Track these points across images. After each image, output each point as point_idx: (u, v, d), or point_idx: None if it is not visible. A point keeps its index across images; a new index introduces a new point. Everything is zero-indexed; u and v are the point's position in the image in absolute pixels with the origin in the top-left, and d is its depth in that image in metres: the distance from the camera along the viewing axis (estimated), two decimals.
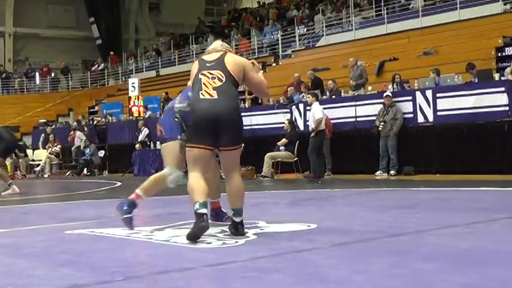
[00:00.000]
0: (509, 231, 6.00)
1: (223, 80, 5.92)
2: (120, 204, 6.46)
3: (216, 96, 5.83)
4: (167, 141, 6.62)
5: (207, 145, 5.86)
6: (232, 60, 6.10)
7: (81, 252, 5.40)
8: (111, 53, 37.95)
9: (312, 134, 15.68)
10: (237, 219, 5.93)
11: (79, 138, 25.46)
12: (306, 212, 7.78)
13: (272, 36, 29.24)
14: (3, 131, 14.71)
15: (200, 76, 5.98)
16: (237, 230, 5.91)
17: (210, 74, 5.95)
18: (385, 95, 15.63)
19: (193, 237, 5.55)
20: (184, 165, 6.44)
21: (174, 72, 31.94)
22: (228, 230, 6.14)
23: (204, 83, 5.91)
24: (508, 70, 15.03)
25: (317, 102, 16.06)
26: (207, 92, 5.86)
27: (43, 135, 26.83)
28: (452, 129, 14.39)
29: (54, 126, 28.74)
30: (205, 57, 6.21)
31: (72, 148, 25.91)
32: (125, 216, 6.37)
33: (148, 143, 21.74)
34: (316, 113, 15.67)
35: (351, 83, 18.35)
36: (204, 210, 5.56)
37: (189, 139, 5.97)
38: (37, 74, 37.95)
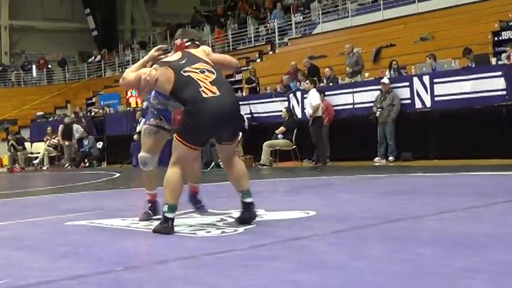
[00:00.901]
0: (509, 215, 6.00)
1: (213, 70, 5.81)
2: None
3: (218, 93, 5.63)
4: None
5: (204, 145, 5.96)
6: (199, 52, 6.03)
7: (81, 244, 5.40)
8: (105, 50, 37.84)
9: (310, 122, 15.67)
10: (249, 200, 5.91)
11: (76, 131, 25.40)
12: (305, 200, 7.78)
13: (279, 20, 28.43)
14: None
15: (187, 74, 5.71)
16: (250, 210, 5.89)
17: (196, 68, 5.76)
18: (381, 81, 15.61)
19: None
20: (155, 148, 6.56)
21: None
22: (226, 218, 6.15)
23: (197, 80, 5.67)
24: (504, 54, 15.01)
25: (314, 89, 16.05)
26: (207, 88, 5.62)
27: (62, 125, 26.17)
28: (450, 114, 14.38)
29: (73, 116, 28.17)
30: (169, 59, 6.03)
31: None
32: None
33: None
34: (313, 99, 15.67)
35: (347, 70, 18.34)
36: (171, 215, 5.58)
37: (188, 138, 5.63)
38: (34, 66, 37.87)
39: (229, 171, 6.02)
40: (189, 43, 6.13)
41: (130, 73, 6.11)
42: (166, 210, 5.53)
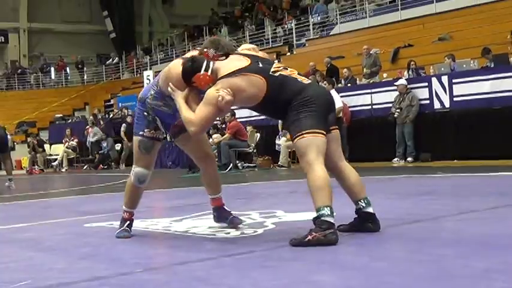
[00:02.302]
0: None
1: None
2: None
3: (309, 80, 5.38)
4: (133, 135, 5.93)
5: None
6: (255, 50, 5.56)
7: (100, 245, 5.41)
8: (129, 53, 37.94)
9: None
10: (371, 210, 5.28)
11: (94, 134, 25.43)
12: None
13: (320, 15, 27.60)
14: None
15: (277, 74, 5.14)
16: (375, 221, 5.25)
17: (279, 67, 5.25)
18: (397, 83, 15.56)
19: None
20: (152, 163, 5.93)
21: None
22: (245, 219, 6.15)
23: (290, 75, 5.22)
24: None
25: (334, 90, 16.00)
26: (302, 79, 5.24)
27: (124, 125, 25.28)
28: (468, 114, 14.31)
29: (103, 116, 28.14)
30: (239, 65, 5.16)
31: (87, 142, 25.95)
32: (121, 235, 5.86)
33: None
34: (336, 101, 15.55)
35: (365, 71, 18.30)
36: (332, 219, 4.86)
37: (317, 124, 4.98)
38: (52, 69, 38.05)
39: (342, 175, 5.43)
40: (223, 58, 5.23)
41: (194, 117, 5.15)
42: (329, 213, 4.83)
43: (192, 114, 5.16)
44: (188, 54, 5.59)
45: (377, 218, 5.22)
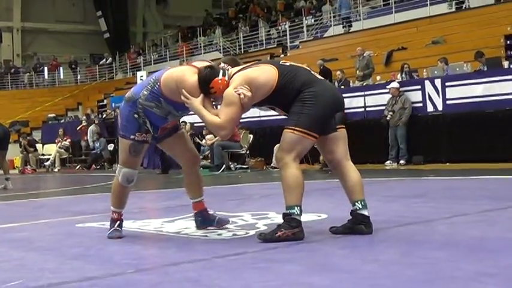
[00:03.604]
0: None
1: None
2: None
3: (321, 77, 5.37)
4: (121, 136, 5.77)
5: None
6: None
7: (92, 245, 5.40)
8: (127, 51, 37.90)
9: None
10: (366, 213, 5.28)
11: (93, 133, 25.30)
12: (316, 202, 7.75)
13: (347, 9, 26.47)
14: None
15: (288, 63, 5.34)
16: (368, 224, 5.24)
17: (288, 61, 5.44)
18: (389, 86, 15.59)
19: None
20: (139, 164, 5.84)
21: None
22: (237, 221, 6.15)
23: (303, 66, 5.36)
24: None
25: None
26: (314, 72, 5.33)
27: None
28: (461, 118, 14.35)
29: (95, 116, 28.08)
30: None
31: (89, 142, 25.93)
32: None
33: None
34: None
35: (358, 74, 18.33)
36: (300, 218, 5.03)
37: (312, 126, 5.06)
38: (45, 68, 37.98)
39: (344, 174, 5.48)
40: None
41: (220, 120, 5.18)
42: (299, 213, 5.02)
43: (217, 119, 5.19)
44: (197, 63, 5.57)
45: (371, 222, 5.23)
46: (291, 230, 4.94)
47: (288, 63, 5.32)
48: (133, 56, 36.93)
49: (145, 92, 5.56)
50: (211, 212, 6.03)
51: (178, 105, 5.48)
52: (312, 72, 5.28)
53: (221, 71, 5.27)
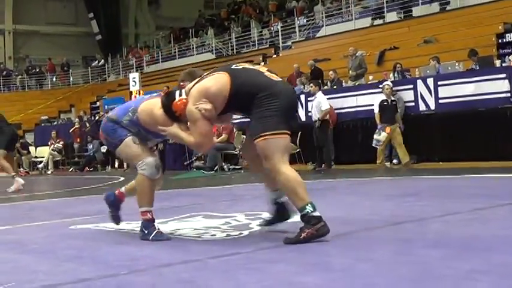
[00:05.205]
0: None
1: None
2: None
3: (279, 78, 5.35)
4: (118, 144, 5.78)
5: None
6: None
7: (86, 247, 5.40)
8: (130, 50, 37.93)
9: (317, 125, 15.54)
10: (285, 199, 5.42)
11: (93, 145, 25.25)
12: None
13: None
14: (3, 124, 14.66)
15: (241, 67, 5.38)
16: (286, 209, 5.48)
17: (244, 63, 5.52)
18: (379, 86, 15.61)
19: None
20: (149, 150, 5.87)
21: (175, 66, 31.94)
22: (231, 221, 6.16)
23: (256, 68, 5.43)
24: (510, 57, 14.99)
25: (320, 92, 15.98)
26: (269, 74, 5.28)
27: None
28: (454, 116, 14.37)
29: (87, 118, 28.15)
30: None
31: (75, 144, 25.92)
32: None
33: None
34: (323, 103, 15.52)
35: (350, 73, 18.36)
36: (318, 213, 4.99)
37: (278, 125, 5.04)
38: (44, 70, 37.89)
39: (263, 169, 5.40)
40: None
41: (195, 138, 5.34)
42: (313, 209, 4.96)
43: (192, 138, 5.35)
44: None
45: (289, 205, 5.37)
46: (313, 228, 4.90)
47: (240, 67, 5.36)
48: (136, 54, 36.80)
49: (127, 118, 5.73)
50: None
51: (154, 134, 5.73)
52: (266, 74, 5.27)
53: (177, 92, 5.39)
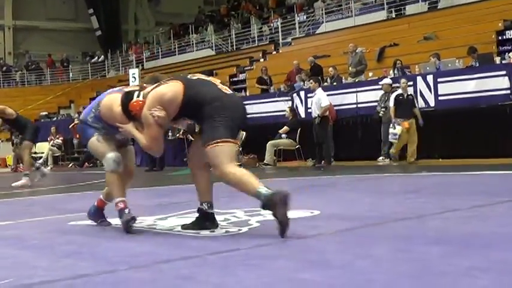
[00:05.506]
0: None
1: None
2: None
3: (230, 92, 5.59)
4: (87, 144, 6.21)
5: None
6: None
7: (85, 243, 5.40)
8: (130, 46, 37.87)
9: (317, 121, 15.53)
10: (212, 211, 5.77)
11: None
12: (309, 199, 7.75)
13: None
14: (22, 119, 14.92)
15: (196, 77, 5.63)
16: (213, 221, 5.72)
17: (198, 74, 5.79)
18: (381, 82, 15.61)
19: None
20: (112, 146, 6.03)
21: (174, 62, 31.93)
22: (230, 218, 6.15)
23: (210, 80, 5.64)
24: (510, 54, 14.99)
25: (320, 88, 15.98)
26: (222, 86, 5.53)
27: None
28: (453, 113, 14.37)
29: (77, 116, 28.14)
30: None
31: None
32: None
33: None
34: (323, 100, 15.51)
35: (350, 70, 18.34)
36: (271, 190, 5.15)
37: (227, 134, 5.25)
38: (43, 66, 37.85)
39: (205, 177, 5.73)
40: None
41: (147, 141, 5.60)
42: (266, 190, 5.16)
43: (145, 140, 5.61)
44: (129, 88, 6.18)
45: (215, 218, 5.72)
46: (279, 202, 4.98)
47: (195, 77, 5.62)
48: (138, 49, 36.74)
49: (91, 115, 6.10)
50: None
51: (115, 128, 5.90)
52: (219, 86, 5.51)
53: (136, 93, 5.62)
